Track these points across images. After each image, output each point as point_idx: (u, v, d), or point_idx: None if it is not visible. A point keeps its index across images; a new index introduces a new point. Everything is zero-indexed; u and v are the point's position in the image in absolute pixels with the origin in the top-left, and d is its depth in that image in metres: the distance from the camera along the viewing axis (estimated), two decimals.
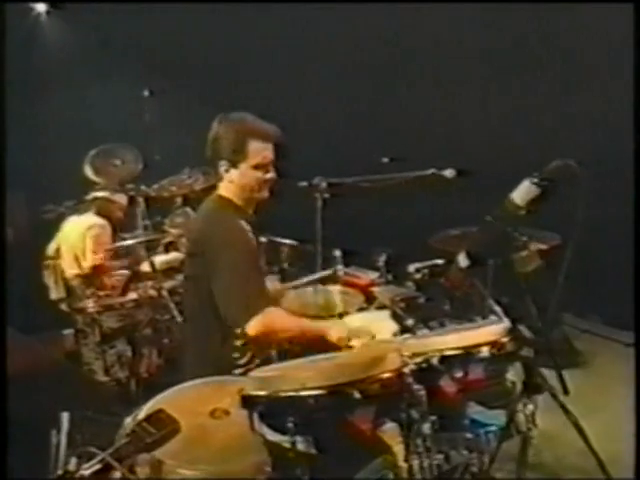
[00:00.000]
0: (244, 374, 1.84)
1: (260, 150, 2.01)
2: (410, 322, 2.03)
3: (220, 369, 1.89)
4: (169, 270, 3.83)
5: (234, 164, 2.01)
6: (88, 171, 4.42)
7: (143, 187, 4.53)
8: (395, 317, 2.22)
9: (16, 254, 4.50)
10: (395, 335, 1.97)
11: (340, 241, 2.83)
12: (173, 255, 4.10)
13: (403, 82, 3.74)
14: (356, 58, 3.80)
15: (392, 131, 3.76)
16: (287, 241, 3.66)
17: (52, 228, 4.23)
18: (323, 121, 4.02)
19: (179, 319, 3.10)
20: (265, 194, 2.08)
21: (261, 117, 2.10)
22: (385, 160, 3.03)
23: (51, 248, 3.90)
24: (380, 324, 2.12)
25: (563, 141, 3.27)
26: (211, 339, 1.98)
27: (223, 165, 2.02)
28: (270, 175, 2.05)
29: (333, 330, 1.93)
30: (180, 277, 3.71)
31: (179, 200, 4.53)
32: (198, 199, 4.36)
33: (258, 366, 1.92)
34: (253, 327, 1.86)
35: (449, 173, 2.96)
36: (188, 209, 4.44)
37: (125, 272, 3.85)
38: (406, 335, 1.90)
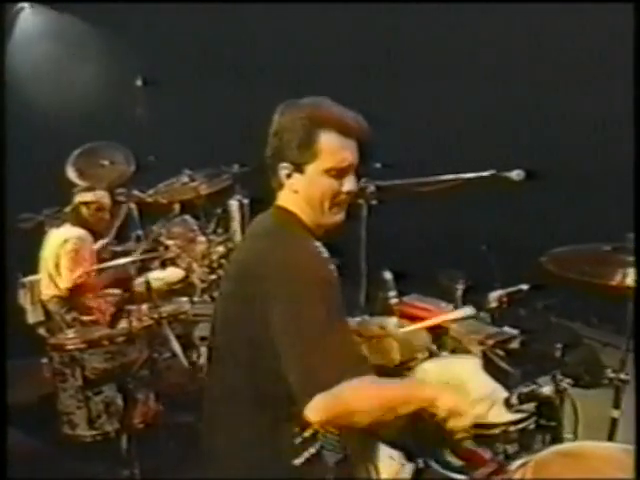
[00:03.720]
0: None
1: (336, 148, 1.36)
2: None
3: (271, 461, 1.29)
4: (167, 291, 3.25)
5: (299, 167, 1.37)
6: (71, 173, 3.89)
7: (136, 191, 3.96)
8: (487, 367, 1.61)
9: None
10: (510, 406, 1.35)
11: (390, 260, 2.21)
12: (172, 272, 3.49)
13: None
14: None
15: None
16: None
17: (29, 240, 3.70)
18: None
19: (184, 361, 2.46)
20: (338, 216, 1.41)
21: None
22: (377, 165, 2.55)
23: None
24: (472, 380, 1.51)
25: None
26: (260, 415, 1.32)
27: (284, 168, 1.38)
28: (349, 186, 1.39)
29: (444, 398, 1.24)
30: (182, 300, 3.16)
31: (177, 207, 3.96)
32: (200, 206, 4.05)
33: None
34: (315, 410, 1.19)
35: (516, 175, 2.39)
36: (187, 217, 3.87)
37: (113, 291, 3.25)
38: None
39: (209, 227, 3.70)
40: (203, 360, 3.04)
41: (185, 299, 3.14)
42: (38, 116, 4.39)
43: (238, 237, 3.23)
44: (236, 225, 3.24)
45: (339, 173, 1.37)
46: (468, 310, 1.87)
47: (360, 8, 3.35)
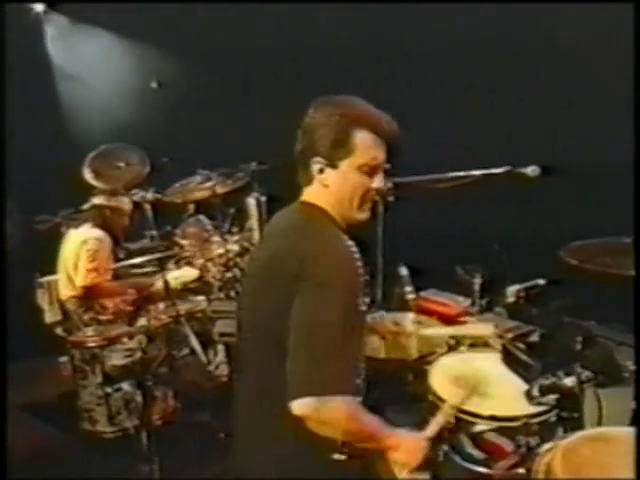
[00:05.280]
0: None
1: (370, 145, 1.41)
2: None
3: (303, 456, 1.31)
4: (183, 290, 3.27)
5: (332, 162, 1.40)
6: (87, 175, 3.91)
7: (150, 193, 3.99)
8: (507, 361, 1.62)
9: (7, 270, 4.03)
10: (531, 398, 1.36)
11: (407, 256, 2.22)
12: (187, 271, 3.52)
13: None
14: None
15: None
16: None
17: (46, 241, 3.75)
18: None
19: (204, 358, 2.48)
20: (365, 212, 1.45)
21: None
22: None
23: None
24: (492, 373, 1.51)
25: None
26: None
27: (317, 163, 1.41)
28: (378, 183, 1.43)
29: (402, 451, 1.35)
30: (198, 298, 3.18)
31: (191, 207, 3.99)
32: (216, 205, 4.08)
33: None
34: (301, 406, 1.24)
35: (532, 171, 2.40)
36: (201, 217, 3.89)
37: (130, 290, 3.27)
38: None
39: (224, 226, 3.73)
40: (220, 357, 3.07)
41: (201, 297, 3.16)
42: (56, 118, 4.45)
43: (256, 234, 3.24)
44: (254, 222, 3.25)
45: (370, 170, 1.40)
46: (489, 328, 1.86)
47: (376, 8, 3.35)
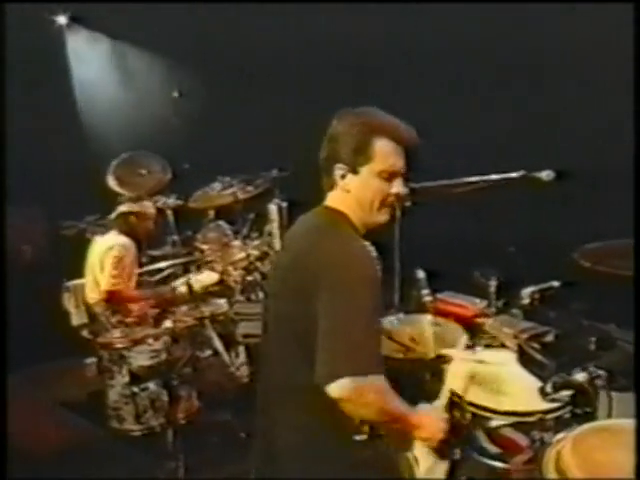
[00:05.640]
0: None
1: (389, 153, 1.49)
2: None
3: (331, 454, 1.37)
4: (204, 293, 3.36)
5: (354, 168, 1.49)
6: (111, 182, 4.04)
7: (172, 199, 4.11)
8: (522, 361, 1.67)
9: (34, 274, 4.17)
10: (545, 394, 1.41)
11: (423, 259, 2.27)
12: (208, 275, 3.61)
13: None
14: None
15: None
16: None
17: (72, 246, 3.87)
18: None
19: (227, 358, 2.56)
20: (385, 216, 1.54)
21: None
22: None
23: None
24: (508, 373, 1.57)
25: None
26: (318, 408, 1.40)
27: (339, 169, 1.51)
28: (397, 188, 1.51)
29: (426, 428, 1.44)
30: (219, 301, 3.26)
31: (211, 213, 4.09)
32: (236, 211, 4.17)
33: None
34: (342, 389, 1.31)
35: (546, 175, 2.44)
36: (221, 222, 3.99)
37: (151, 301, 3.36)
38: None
39: (243, 231, 3.82)
40: (241, 359, 3.15)
41: (223, 300, 3.24)
42: (79, 128, 4.59)
43: (276, 239, 3.33)
44: (275, 227, 3.33)
45: (389, 176, 1.49)
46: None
47: (392, 12, 3.40)
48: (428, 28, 3.37)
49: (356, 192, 1.49)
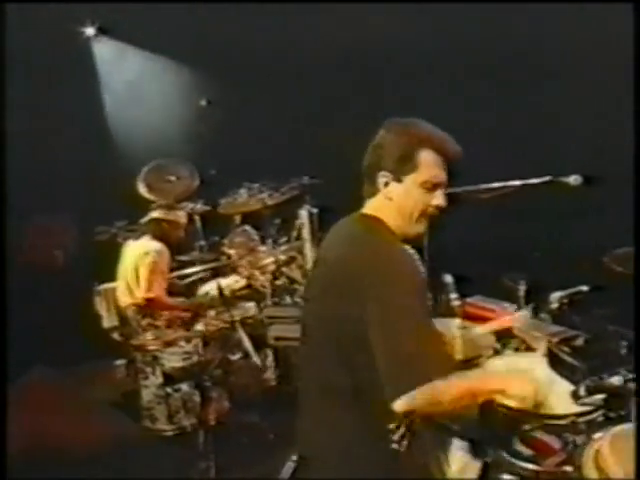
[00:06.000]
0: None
1: (432, 164, 1.53)
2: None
3: (370, 455, 1.40)
4: (233, 297, 3.43)
5: (397, 176, 1.53)
6: (142, 189, 4.14)
7: (199, 205, 4.20)
8: (553, 364, 1.69)
9: (66, 278, 4.28)
10: (578, 398, 1.43)
11: (451, 264, 2.30)
12: (236, 280, 3.68)
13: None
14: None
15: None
16: None
17: (103, 251, 3.97)
18: None
19: (258, 361, 2.62)
20: (422, 226, 1.56)
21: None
22: None
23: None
24: (539, 376, 1.58)
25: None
26: (357, 410, 1.45)
27: (383, 176, 1.54)
28: (438, 200, 1.54)
29: (514, 384, 1.41)
30: (248, 305, 3.33)
31: (238, 218, 4.16)
32: (266, 216, 4.23)
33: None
34: (404, 405, 1.34)
35: (574, 180, 2.45)
36: (248, 228, 4.06)
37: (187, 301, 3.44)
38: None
39: (269, 237, 3.89)
40: (269, 362, 3.20)
41: (251, 304, 3.30)
42: (109, 136, 4.71)
43: (307, 245, 3.38)
44: (306, 233, 3.38)
45: (432, 187, 1.53)
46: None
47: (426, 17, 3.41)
48: (452, 30, 3.39)
49: (398, 200, 1.53)
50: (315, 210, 3.38)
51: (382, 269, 1.42)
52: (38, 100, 4.15)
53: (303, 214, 3.41)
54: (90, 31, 4.58)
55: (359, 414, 1.43)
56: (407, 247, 1.51)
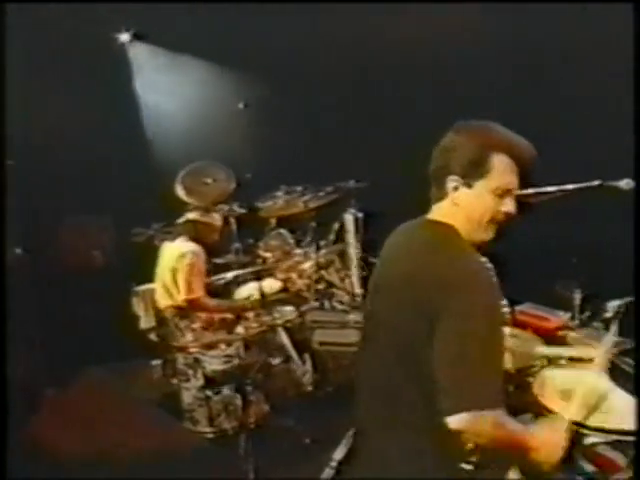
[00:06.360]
0: None
1: (506, 170, 1.46)
2: None
3: (437, 465, 1.37)
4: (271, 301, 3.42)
5: (468, 181, 1.47)
6: (180, 191, 4.16)
7: (235, 207, 4.21)
8: (613, 375, 1.63)
9: (103, 279, 4.35)
10: None
11: (501, 271, 2.25)
12: (272, 283, 3.68)
13: None
14: None
15: None
16: None
17: (141, 252, 4.02)
18: None
19: (301, 365, 2.60)
20: (491, 233, 1.50)
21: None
22: None
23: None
24: (600, 388, 1.53)
25: None
26: (423, 418, 1.41)
27: (452, 181, 1.48)
28: (508, 207, 1.47)
29: (543, 450, 1.40)
30: (287, 309, 3.32)
31: (273, 221, 4.17)
32: (297, 220, 4.22)
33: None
34: (460, 422, 1.31)
35: (625, 184, 2.37)
36: (283, 231, 4.06)
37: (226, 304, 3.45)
38: None
39: (306, 240, 3.88)
40: (308, 366, 3.19)
41: (290, 307, 3.29)
42: (146, 139, 4.77)
43: (352, 249, 3.35)
44: (351, 238, 3.36)
45: (503, 193, 1.46)
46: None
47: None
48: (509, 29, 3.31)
49: (467, 206, 1.47)
50: (360, 214, 3.34)
51: (459, 281, 1.37)
52: (76, 104, 4.22)
53: (348, 218, 3.38)
54: (125, 37, 4.60)
55: (427, 433, 1.39)
56: (484, 259, 1.45)
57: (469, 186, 1.46)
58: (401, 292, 1.46)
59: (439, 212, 1.51)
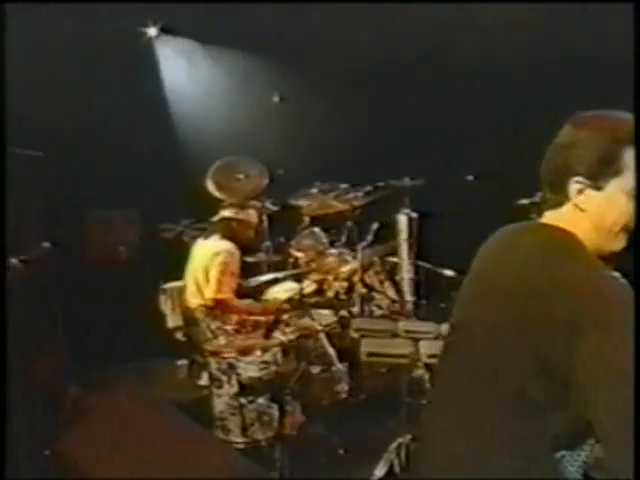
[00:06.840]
0: None
1: None
2: None
3: None
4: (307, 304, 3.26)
5: (596, 183, 1.23)
6: (210, 186, 4.04)
7: (268, 203, 4.06)
8: None
9: (129, 276, 4.25)
10: None
11: None
12: (307, 284, 3.51)
13: None
14: None
15: None
16: (448, 272, 2.99)
17: (169, 248, 3.91)
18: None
19: (344, 373, 2.42)
20: (623, 242, 1.26)
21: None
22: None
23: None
24: None
25: None
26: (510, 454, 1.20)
27: (577, 183, 1.25)
28: None
29: None
30: (324, 312, 3.15)
31: (307, 219, 4.00)
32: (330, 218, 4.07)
33: None
34: None
35: None
36: (316, 229, 3.89)
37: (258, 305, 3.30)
38: None
39: (340, 240, 3.71)
40: (344, 373, 3.01)
41: (327, 311, 3.12)
42: (179, 133, 4.65)
43: (404, 252, 3.17)
44: (402, 239, 3.18)
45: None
46: None
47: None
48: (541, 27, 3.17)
49: (594, 211, 1.24)
50: (415, 215, 3.15)
51: (595, 304, 1.14)
52: (107, 99, 4.14)
53: (402, 219, 3.19)
54: (152, 31, 4.51)
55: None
56: (617, 274, 1.22)
57: (598, 188, 1.23)
58: (506, 305, 1.24)
59: (557, 217, 1.28)
